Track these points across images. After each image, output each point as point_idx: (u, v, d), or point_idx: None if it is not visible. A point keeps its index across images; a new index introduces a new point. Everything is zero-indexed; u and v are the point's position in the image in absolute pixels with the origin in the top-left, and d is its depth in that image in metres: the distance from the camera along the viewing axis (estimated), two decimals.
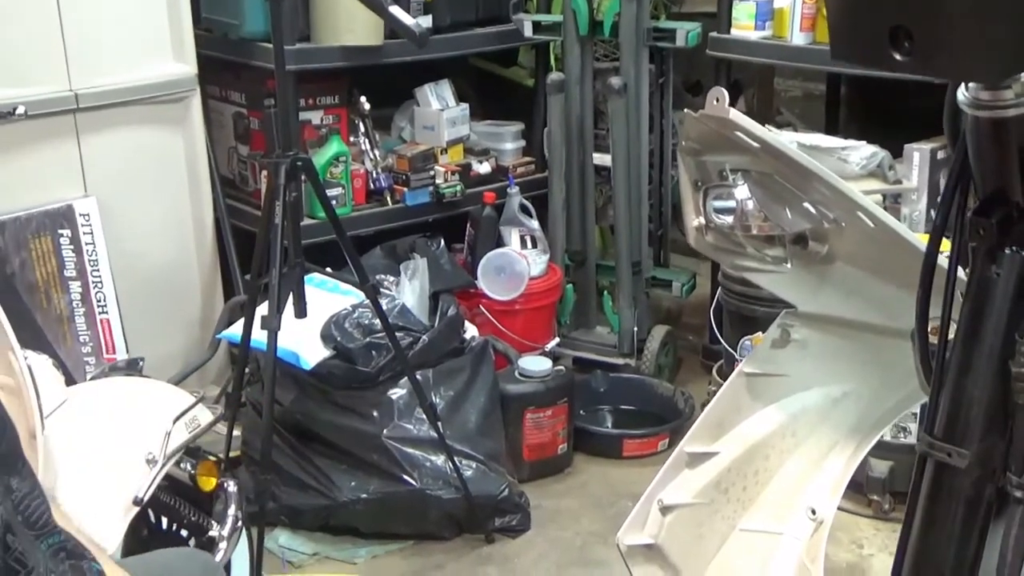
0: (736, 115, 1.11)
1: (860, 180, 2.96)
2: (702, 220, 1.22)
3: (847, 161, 2.93)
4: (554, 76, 3.22)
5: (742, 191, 1.18)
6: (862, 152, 2.94)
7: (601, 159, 3.33)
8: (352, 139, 3.30)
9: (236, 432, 2.54)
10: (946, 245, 1.04)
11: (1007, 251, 0.94)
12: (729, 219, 1.20)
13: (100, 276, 2.85)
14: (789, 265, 1.24)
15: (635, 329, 3.27)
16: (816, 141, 2.97)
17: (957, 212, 0.98)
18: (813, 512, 1.30)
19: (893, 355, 1.17)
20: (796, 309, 1.38)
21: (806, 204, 1.18)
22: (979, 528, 0.99)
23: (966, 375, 0.97)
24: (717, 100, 1.09)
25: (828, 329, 1.34)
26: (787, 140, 2.95)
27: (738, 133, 1.11)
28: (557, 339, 3.25)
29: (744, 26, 3.12)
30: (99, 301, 2.85)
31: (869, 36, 0.79)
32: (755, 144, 1.12)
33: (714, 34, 3.17)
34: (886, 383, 1.31)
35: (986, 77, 0.80)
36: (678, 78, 3.58)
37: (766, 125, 3.16)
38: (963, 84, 0.89)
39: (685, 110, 1.16)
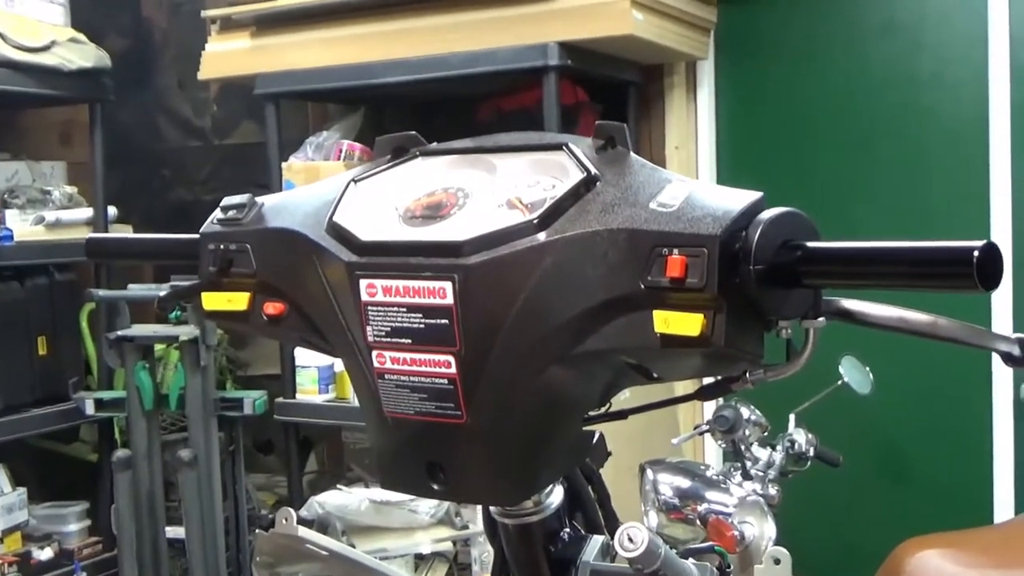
0: (304, 531, 1.19)
1: (430, 528, 3.13)
2: None
3: (417, 512, 3.09)
4: (120, 454, 3.16)
5: None
6: (430, 502, 3.12)
7: (175, 532, 3.25)
8: None
9: None
10: None
11: None
12: None
13: None
14: None
15: None
16: (386, 496, 3.11)
17: None
18: None
19: None
20: None
21: None
22: None
23: None
24: (286, 520, 1.18)
25: None
26: (360, 496, 3.09)
27: (308, 546, 1.20)
28: None
29: (308, 391, 3.28)
30: None
31: (410, 470, 0.92)
32: (324, 553, 1.20)
33: (280, 399, 3.29)
34: None
35: (504, 502, 0.96)
36: (248, 439, 3.64)
37: (338, 485, 3.30)
38: None
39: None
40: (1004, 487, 2.94)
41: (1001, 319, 2.87)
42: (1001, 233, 2.87)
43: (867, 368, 2.29)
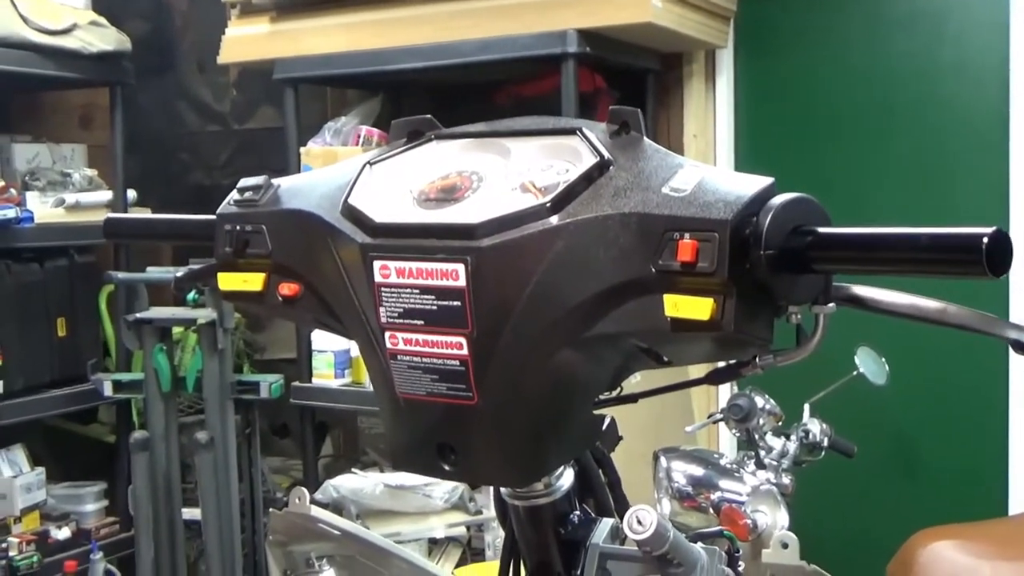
0: (317, 510, 1.20)
1: (444, 513, 3.14)
2: None
3: (431, 496, 3.11)
4: (137, 435, 3.18)
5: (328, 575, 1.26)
6: (444, 487, 3.13)
7: (191, 513, 3.28)
8: None
9: None
10: None
11: None
12: None
13: None
14: None
15: None
16: (401, 480, 3.13)
17: None
18: None
19: None
20: None
21: None
22: None
23: None
24: (299, 499, 1.19)
25: None
26: (374, 481, 3.11)
27: (321, 525, 1.21)
28: None
29: (325, 375, 3.29)
30: None
31: (422, 450, 0.93)
32: (337, 532, 1.21)
33: (297, 383, 3.31)
34: None
35: (514, 484, 0.97)
36: (264, 422, 3.66)
37: (353, 469, 3.31)
38: None
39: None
40: (1019, 478, 2.93)
41: (1018, 309, 2.86)
42: (1020, 224, 2.85)
43: (883, 359, 2.29)
